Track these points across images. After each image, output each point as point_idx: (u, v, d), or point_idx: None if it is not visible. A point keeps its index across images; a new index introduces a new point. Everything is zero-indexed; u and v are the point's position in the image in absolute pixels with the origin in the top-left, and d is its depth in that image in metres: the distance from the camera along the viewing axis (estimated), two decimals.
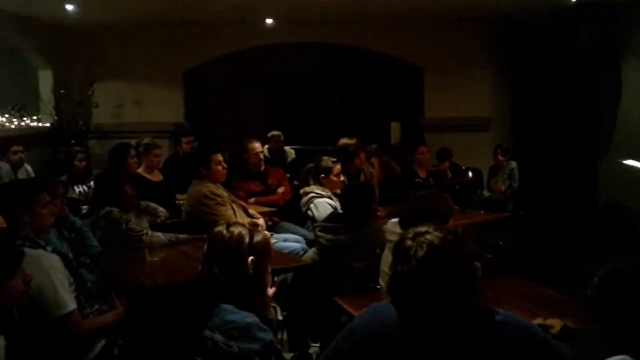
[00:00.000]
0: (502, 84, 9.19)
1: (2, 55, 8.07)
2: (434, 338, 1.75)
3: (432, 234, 1.80)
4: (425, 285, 1.74)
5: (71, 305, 2.95)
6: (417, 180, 6.51)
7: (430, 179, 6.56)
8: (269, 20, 8.45)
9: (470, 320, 1.80)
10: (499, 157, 8.13)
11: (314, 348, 4.26)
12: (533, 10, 7.94)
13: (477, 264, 1.86)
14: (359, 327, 1.89)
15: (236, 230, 2.29)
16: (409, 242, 1.80)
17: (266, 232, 2.51)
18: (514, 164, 8.12)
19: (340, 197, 4.58)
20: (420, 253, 1.76)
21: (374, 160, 6.71)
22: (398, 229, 3.44)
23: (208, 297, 2.26)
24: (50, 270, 2.90)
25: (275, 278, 2.49)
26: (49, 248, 3.15)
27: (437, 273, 1.75)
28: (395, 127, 9.41)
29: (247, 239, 2.28)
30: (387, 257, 3.56)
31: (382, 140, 8.36)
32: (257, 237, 2.32)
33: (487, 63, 9.03)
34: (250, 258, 2.26)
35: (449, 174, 7.11)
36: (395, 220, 3.64)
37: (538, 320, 2.46)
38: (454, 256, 1.79)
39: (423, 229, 1.83)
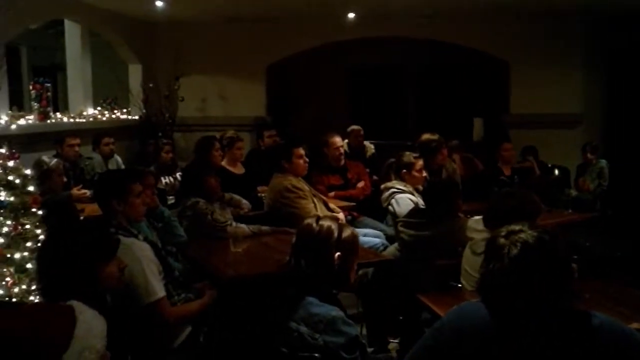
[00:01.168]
0: (594, 80, 8.80)
1: (96, 51, 8.42)
2: (526, 340, 1.70)
3: (526, 233, 1.74)
4: (518, 285, 1.69)
5: (160, 292, 3.05)
6: (501, 177, 6.34)
7: (515, 177, 6.38)
8: (351, 15, 8.43)
9: (565, 323, 1.73)
10: (588, 154, 7.81)
11: (393, 344, 4.23)
12: (630, 3, 7.55)
13: (574, 265, 1.79)
14: (448, 324, 1.85)
15: (325, 224, 2.32)
16: (502, 240, 1.75)
17: (354, 229, 2.50)
18: (603, 162, 7.78)
19: (424, 193, 4.53)
20: (514, 252, 1.70)
21: (455, 156, 6.60)
22: (481, 226, 3.37)
23: (293, 289, 2.29)
24: (141, 258, 3.00)
25: None
26: (140, 237, 3.27)
27: (531, 273, 1.69)
28: (477, 122, 9.21)
29: (335, 234, 2.30)
30: (468, 255, 3.49)
31: (464, 136, 8.20)
32: (346, 233, 2.33)
33: (579, 58, 8.67)
34: (338, 254, 2.27)
35: (537, 171, 6.88)
36: (478, 217, 3.56)
37: (635, 326, 2.34)
38: (550, 256, 1.72)
39: (517, 227, 1.77)
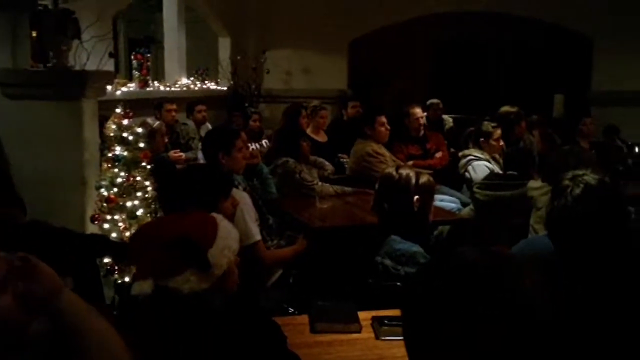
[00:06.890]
0: None
1: (189, 25, 8.95)
2: (584, 267, 1.95)
3: (589, 176, 1.99)
4: (578, 220, 1.94)
5: (257, 236, 3.44)
6: None
7: (593, 152, 6.41)
8: None
9: (624, 260, 1.97)
10: None
11: None
12: None
13: (631, 208, 2.02)
14: (516, 252, 2.13)
15: (404, 172, 2.63)
16: (566, 182, 2.00)
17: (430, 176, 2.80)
18: None
19: (504, 159, 4.74)
20: (577, 191, 1.95)
21: (535, 132, 6.68)
22: (538, 184, 3.57)
23: (379, 229, 2.62)
24: (242, 204, 3.39)
25: None
26: (240, 187, 3.68)
27: (590, 209, 1.94)
28: (559, 99, 9.16)
29: (414, 180, 2.60)
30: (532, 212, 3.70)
31: (545, 112, 8.20)
32: (423, 179, 2.64)
33: None
34: (416, 197, 2.58)
35: (625, 149, 6.83)
36: (534, 180, 3.80)
37: None
38: (609, 197, 1.97)
39: (581, 172, 2.02)
